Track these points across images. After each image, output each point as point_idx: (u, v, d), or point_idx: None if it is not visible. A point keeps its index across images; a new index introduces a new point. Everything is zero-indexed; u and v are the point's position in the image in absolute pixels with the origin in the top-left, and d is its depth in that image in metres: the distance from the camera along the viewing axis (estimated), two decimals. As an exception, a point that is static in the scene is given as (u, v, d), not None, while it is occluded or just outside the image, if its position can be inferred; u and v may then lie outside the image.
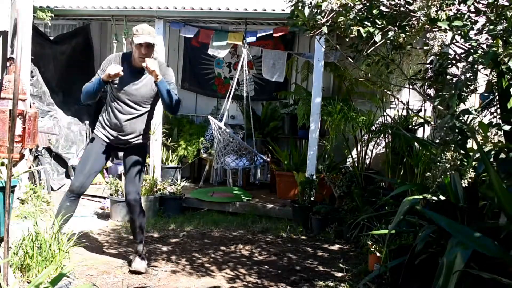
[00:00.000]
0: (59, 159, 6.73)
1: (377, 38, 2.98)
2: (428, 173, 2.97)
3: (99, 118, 3.89)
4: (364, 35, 3.01)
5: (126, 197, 3.85)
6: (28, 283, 3.02)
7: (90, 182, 3.86)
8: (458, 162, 2.80)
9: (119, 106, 3.75)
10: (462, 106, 3.12)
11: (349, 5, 3.03)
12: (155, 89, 3.68)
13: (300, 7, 3.29)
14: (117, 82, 3.69)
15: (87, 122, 7.24)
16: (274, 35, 6.23)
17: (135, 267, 3.83)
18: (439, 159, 2.78)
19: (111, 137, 3.81)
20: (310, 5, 3.21)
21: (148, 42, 3.57)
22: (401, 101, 4.98)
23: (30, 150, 5.78)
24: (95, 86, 3.67)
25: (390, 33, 2.97)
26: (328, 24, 3.19)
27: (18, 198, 5.40)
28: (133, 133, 3.80)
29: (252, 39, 6.29)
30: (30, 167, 5.79)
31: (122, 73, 3.57)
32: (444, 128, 2.80)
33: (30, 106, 5.24)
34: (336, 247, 4.79)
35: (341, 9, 3.04)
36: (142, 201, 5.53)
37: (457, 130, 2.83)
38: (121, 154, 4.30)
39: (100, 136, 3.83)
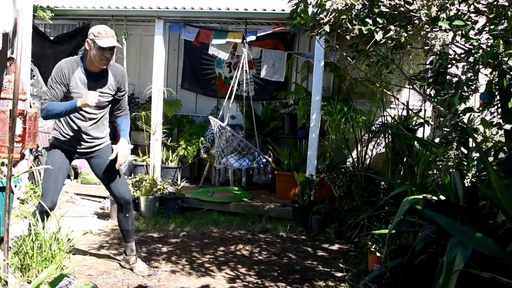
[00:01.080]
0: (59, 159, 6.72)
1: (378, 36, 2.98)
2: (429, 172, 2.97)
3: (55, 128, 3.68)
4: (365, 32, 3.01)
5: (122, 199, 3.82)
6: (28, 283, 3.02)
7: (59, 194, 3.73)
8: (459, 161, 2.80)
9: (79, 114, 3.57)
10: (462, 106, 3.12)
11: (352, 4, 3.03)
12: (113, 90, 3.66)
13: (303, 7, 3.29)
14: (77, 91, 3.52)
15: (87, 122, 7.23)
16: (273, 29, 6.22)
17: (141, 271, 3.84)
18: (440, 157, 2.79)
19: (75, 146, 3.66)
20: (313, 5, 3.21)
21: (113, 45, 3.46)
22: (401, 101, 4.99)
23: (31, 150, 5.79)
24: (67, 110, 3.44)
25: (391, 32, 2.97)
26: (330, 23, 3.19)
27: (18, 198, 5.40)
28: (98, 137, 3.75)
29: (252, 38, 6.29)
30: (30, 167, 5.79)
31: (101, 99, 3.46)
32: (447, 127, 2.80)
33: (30, 106, 5.25)
34: (336, 247, 4.79)
35: (344, 8, 3.04)
36: (141, 201, 5.59)
37: (459, 129, 2.83)
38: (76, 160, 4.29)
39: (61, 147, 3.63)
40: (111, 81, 3.65)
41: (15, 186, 4.62)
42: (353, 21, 3.05)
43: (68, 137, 3.63)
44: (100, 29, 3.52)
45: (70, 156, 3.71)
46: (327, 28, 3.20)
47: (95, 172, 3.86)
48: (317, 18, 3.18)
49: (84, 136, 3.66)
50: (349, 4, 2.99)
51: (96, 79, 3.58)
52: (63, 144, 3.64)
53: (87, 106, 3.41)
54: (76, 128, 3.62)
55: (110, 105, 3.77)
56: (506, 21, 2.66)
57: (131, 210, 3.88)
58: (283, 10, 5.72)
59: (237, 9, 6.12)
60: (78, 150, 3.71)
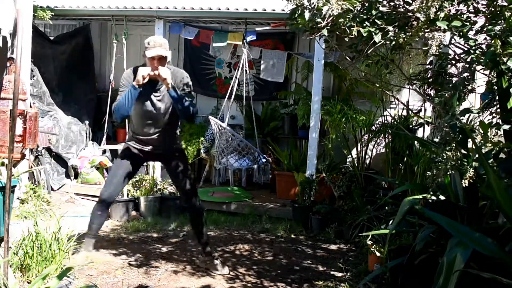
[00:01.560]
0: (59, 159, 6.73)
1: (377, 38, 2.98)
2: (428, 172, 2.97)
3: (129, 130, 3.98)
4: (364, 34, 3.01)
5: (194, 205, 3.94)
6: (28, 283, 3.02)
7: (119, 192, 3.99)
8: (459, 161, 2.80)
9: (148, 118, 3.74)
10: (462, 106, 3.12)
11: (349, 9, 3.03)
12: (185, 94, 3.71)
13: (300, 11, 3.29)
14: (144, 95, 3.68)
15: (87, 122, 7.24)
16: (272, 26, 6.22)
17: (221, 272, 3.90)
18: (439, 158, 2.79)
19: (143, 149, 3.85)
20: (310, 9, 3.21)
21: (160, 55, 3.57)
22: (401, 102, 4.99)
23: (31, 150, 5.79)
24: (128, 95, 3.59)
25: (390, 33, 2.97)
26: (328, 27, 3.19)
27: (18, 198, 5.40)
28: (164, 142, 3.83)
29: (252, 37, 6.29)
30: (30, 167, 5.79)
31: (155, 72, 3.55)
32: (445, 128, 2.80)
33: (31, 106, 5.25)
34: (336, 247, 4.79)
35: (342, 12, 3.04)
36: (141, 201, 5.59)
37: (458, 129, 2.83)
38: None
39: (131, 148, 3.87)
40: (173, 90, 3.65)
41: (15, 186, 4.62)
42: (351, 23, 3.06)
43: (136, 139, 3.84)
44: (150, 40, 3.68)
45: (138, 162, 3.93)
46: (325, 31, 3.21)
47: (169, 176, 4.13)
48: (316, 21, 3.18)
49: (149, 139, 3.80)
50: (345, 9, 2.99)
51: (152, 84, 3.68)
52: (132, 147, 3.87)
53: (140, 82, 3.56)
54: (143, 132, 3.78)
55: (173, 111, 3.74)
56: (503, 21, 2.66)
57: (200, 216, 3.98)
58: (283, 10, 5.71)
59: (237, 9, 6.12)
60: (143, 153, 3.87)
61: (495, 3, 2.82)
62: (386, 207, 4.34)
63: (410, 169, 5.02)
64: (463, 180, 2.82)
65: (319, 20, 3.13)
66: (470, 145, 3.10)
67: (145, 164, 6.58)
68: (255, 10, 6.07)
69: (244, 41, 6.28)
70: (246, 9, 6.10)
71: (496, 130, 2.99)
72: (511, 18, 2.60)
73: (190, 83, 3.82)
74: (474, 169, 2.97)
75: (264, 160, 5.87)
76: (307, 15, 3.19)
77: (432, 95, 3.67)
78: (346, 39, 3.22)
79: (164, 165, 4.08)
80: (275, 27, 6.22)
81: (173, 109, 3.73)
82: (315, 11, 3.17)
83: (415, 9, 2.77)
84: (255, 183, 6.16)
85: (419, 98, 5.16)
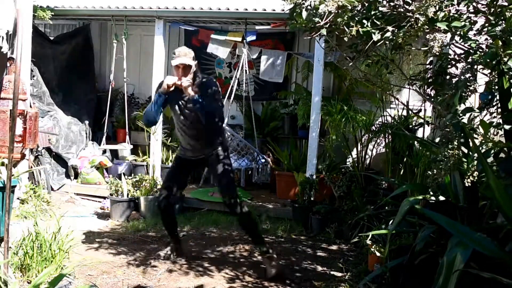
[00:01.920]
0: (59, 159, 6.73)
1: (376, 37, 2.97)
2: (428, 172, 2.97)
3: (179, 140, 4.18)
4: (362, 34, 3.01)
5: (224, 202, 3.97)
6: (28, 283, 3.02)
7: (174, 195, 4.08)
8: (459, 161, 2.80)
9: (183, 126, 3.92)
10: (462, 106, 3.12)
11: (346, 7, 3.03)
12: (206, 106, 3.72)
13: (298, 10, 3.29)
14: (174, 104, 3.89)
15: (87, 122, 7.24)
16: (272, 26, 6.22)
17: (269, 274, 3.84)
18: (440, 157, 2.78)
19: (187, 155, 4.03)
20: (308, 8, 3.21)
21: (184, 63, 3.74)
22: (401, 102, 4.99)
23: (31, 150, 5.79)
24: (155, 101, 3.84)
25: (388, 33, 2.97)
26: (326, 26, 3.18)
27: (18, 198, 5.41)
28: (201, 147, 3.94)
29: (252, 37, 6.29)
30: (30, 167, 5.79)
31: (178, 82, 3.73)
32: (446, 127, 2.80)
33: (30, 106, 5.25)
34: (336, 247, 4.79)
35: (339, 11, 3.04)
36: (141, 201, 5.59)
37: (459, 129, 2.83)
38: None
39: (179, 155, 4.12)
40: (202, 98, 3.74)
41: (15, 186, 4.62)
42: (350, 23, 3.05)
43: (181, 146, 4.11)
44: (176, 50, 3.86)
45: (187, 167, 4.13)
46: (323, 31, 3.20)
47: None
48: (314, 21, 3.18)
49: (190, 145, 3.98)
50: (342, 7, 2.99)
51: (180, 93, 3.81)
52: (179, 154, 4.12)
53: (168, 87, 3.76)
54: (183, 139, 4.01)
55: (210, 120, 3.81)
56: (504, 21, 2.66)
57: (236, 211, 3.92)
58: (283, 10, 5.71)
59: (237, 9, 6.12)
60: (189, 159, 4.03)
61: (495, 3, 2.82)
62: (386, 207, 4.33)
63: (410, 169, 5.02)
64: (465, 180, 2.81)
65: (317, 19, 3.12)
66: (471, 144, 3.10)
67: (145, 164, 6.59)
68: (255, 10, 6.07)
69: (244, 41, 6.28)
70: (246, 9, 6.10)
71: (497, 130, 2.99)
72: (511, 18, 2.60)
73: (218, 95, 3.88)
74: (474, 169, 2.97)
75: (263, 160, 5.87)
76: (304, 14, 3.18)
77: (432, 95, 3.67)
78: (346, 39, 3.22)
79: (207, 169, 4.14)
80: (275, 27, 6.22)
81: (203, 118, 3.77)
82: (312, 11, 3.17)
83: (415, 9, 2.77)
84: (255, 183, 6.16)
85: (419, 98, 5.15)
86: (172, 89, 3.77)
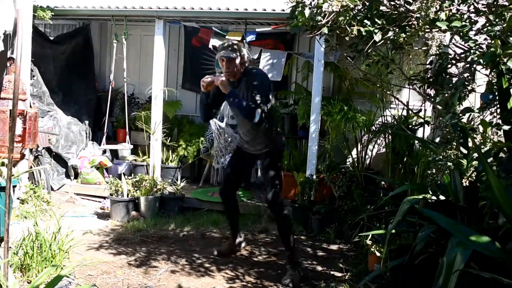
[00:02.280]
0: (59, 159, 6.73)
1: (377, 37, 2.98)
2: (428, 171, 2.97)
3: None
4: (364, 33, 3.01)
5: (276, 214, 3.90)
6: (28, 283, 3.02)
7: (233, 187, 4.17)
8: (459, 161, 2.80)
9: (236, 120, 3.99)
10: (461, 106, 3.12)
11: (349, 6, 3.03)
12: (252, 100, 3.62)
13: (300, 8, 3.29)
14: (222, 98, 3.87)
15: (87, 122, 7.24)
16: (272, 27, 6.21)
17: (283, 282, 3.77)
18: (440, 157, 2.79)
19: (243, 148, 4.05)
20: (310, 6, 3.21)
21: (226, 56, 3.72)
22: (401, 102, 4.99)
23: (31, 150, 5.79)
24: (203, 102, 3.93)
25: (390, 33, 2.97)
26: (328, 25, 3.19)
27: (18, 198, 5.41)
28: (254, 143, 3.91)
29: (252, 37, 6.29)
30: (30, 167, 5.79)
31: (217, 82, 3.74)
32: (446, 127, 2.80)
33: (30, 106, 5.25)
34: (336, 247, 4.79)
35: (341, 9, 3.04)
36: (141, 201, 5.59)
37: (458, 128, 2.83)
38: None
39: (238, 144, 4.17)
40: (244, 88, 3.74)
41: (15, 186, 4.63)
42: (352, 22, 3.05)
43: (239, 139, 4.12)
44: (222, 43, 3.88)
45: (245, 160, 4.08)
46: (325, 30, 3.20)
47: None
48: (316, 19, 3.18)
49: (243, 139, 3.98)
50: (345, 6, 2.99)
51: (233, 87, 3.79)
52: (240, 143, 4.11)
53: (205, 88, 3.81)
54: (239, 131, 4.05)
55: (260, 112, 3.74)
56: (503, 21, 2.66)
57: (275, 213, 3.86)
58: (283, 10, 5.71)
59: (237, 9, 6.12)
60: (245, 152, 4.01)
61: (495, 3, 2.82)
62: (386, 207, 4.33)
63: (410, 169, 5.02)
64: (463, 180, 2.82)
65: (319, 18, 3.13)
66: (470, 144, 3.10)
67: (145, 164, 6.59)
68: (255, 10, 6.07)
69: (244, 41, 6.27)
70: (246, 9, 6.10)
71: (496, 130, 2.99)
72: (511, 18, 2.60)
73: (261, 89, 3.65)
74: (474, 169, 2.97)
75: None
76: (307, 12, 3.18)
77: (432, 95, 3.67)
78: (347, 38, 3.22)
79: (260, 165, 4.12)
80: (275, 28, 6.22)
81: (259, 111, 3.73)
82: (315, 9, 3.17)
83: (415, 9, 2.77)
84: (256, 183, 6.15)
85: (419, 98, 5.16)
86: (210, 88, 3.80)
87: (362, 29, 3.01)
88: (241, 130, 3.98)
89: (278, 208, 3.84)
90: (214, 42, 6.51)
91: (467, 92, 2.98)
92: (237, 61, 3.74)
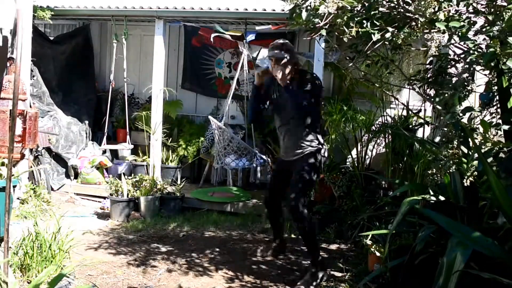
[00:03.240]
0: (59, 159, 6.73)
1: (375, 37, 2.97)
2: (428, 171, 2.97)
3: None
4: (361, 34, 3.01)
5: (287, 207, 3.87)
6: (28, 283, 3.02)
7: (278, 197, 4.08)
8: (459, 160, 2.80)
9: (278, 122, 3.89)
10: (461, 106, 3.12)
11: (346, 8, 3.03)
12: (301, 100, 3.67)
13: (298, 11, 3.29)
14: (272, 98, 3.85)
15: (86, 122, 7.25)
16: (273, 28, 6.22)
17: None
18: (440, 157, 2.79)
19: (282, 157, 3.98)
20: (308, 9, 3.21)
21: (274, 57, 3.67)
22: (401, 102, 4.99)
23: (31, 150, 5.79)
24: (252, 94, 3.86)
25: (388, 34, 2.97)
26: (326, 27, 3.19)
27: (18, 198, 5.41)
28: (292, 147, 3.83)
29: (251, 37, 6.29)
30: (30, 167, 5.79)
31: (270, 69, 3.70)
32: (446, 126, 2.80)
33: (30, 106, 5.25)
34: (336, 247, 4.79)
35: (338, 11, 3.04)
36: (141, 201, 5.59)
37: (459, 128, 2.83)
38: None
39: (279, 156, 4.14)
40: (299, 92, 3.71)
41: (15, 186, 4.63)
42: (350, 23, 3.05)
43: (280, 146, 4.02)
44: (274, 43, 3.78)
45: (285, 169, 3.95)
46: (323, 32, 3.20)
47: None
48: (314, 21, 3.18)
49: (283, 144, 3.91)
50: (341, 7, 2.99)
51: (280, 88, 3.78)
52: (280, 155, 4.07)
53: (259, 78, 3.76)
54: (279, 137, 3.97)
55: (303, 115, 3.76)
56: (502, 21, 2.66)
57: (297, 221, 3.75)
58: (283, 10, 5.71)
59: (237, 9, 6.12)
60: (287, 161, 3.91)
61: (494, 3, 2.82)
62: (386, 207, 4.33)
63: (410, 169, 5.02)
64: (463, 180, 2.82)
65: (317, 20, 3.12)
66: (471, 144, 3.10)
67: (145, 164, 6.59)
68: (255, 10, 6.07)
69: (244, 41, 6.27)
70: (246, 9, 6.10)
71: (496, 130, 2.99)
72: (510, 18, 2.60)
73: (317, 93, 3.74)
74: (474, 169, 2.97)
75: (262, 161, 5.86)
76: (304, 15, 3.18)
77: (432, 95, 3.67)
78: (346, 39, 3.22)
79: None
80: (276, 29, 6.22)
81: (297, 113, 3.75)
82: (312, 11, 3.17)
83: (414, 10, 2.77)
84: (255, 183, 6.16)
85: (419, 98, 5.15)
86: (263, 79, 3.75)
87: (360, 30, 3.01)
88: (286, 135, 3.85)
89: (302, 223, 3.72)
90: (215, 35, 6.49)
91: (467, 93, 2.98)
92: (286, 61, 3.68)
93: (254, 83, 3.80)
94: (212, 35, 6.47)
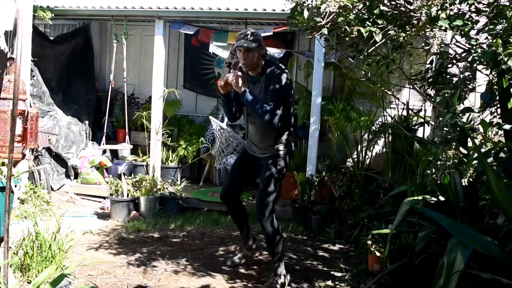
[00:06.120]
0: (59, 159, 6.73)
1: (378, 38, 2.98)
2: (428, 171, 2.97)
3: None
4: (365, 34, 3.01)
5: (260, 221, 3.62)
6: (28, 283, 3.02)
7: (236, 190, 3.96)
8: (458, 161, 2.80)
9: (249, 117, 3.74)
10: (461, 106, 3.12)
11: (348, 6, 3.03)
12: (266, 97, 3.50)
13: (299, 9, 3.29)
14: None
15: (86, 122, 7.24)
16: (273, 31, 6.22)
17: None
18: (440, 157, 2.78)
19: (249, 150, 3.86)
20: (309, 7, 3.21)
21: (242, 46, 3.45)
22: (401, 101, 4.99)
23: (31, 150, 5.79)
24: (223, 102, 3.76)
25: (391, 32, 2.97)
26: (328, 25, 3.19)
27: (18, 198, 5.40)
28: (260, 144, 3.71)
29: None
30: (30, 167, 5.79)
31: (232, 81, 3.48)
32: (446, 127, 2.80)
33: (31, 106, 5.25)
34: (336, 247, 4.79)
35: (340, 10, 3.04)
36: (141, 201, 5.58)
37: (458, 128, 2.83)
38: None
39: (244, 149, 3.97)
40: (263, 82, 3.57)
41: (15, 186, 4.62)
42: (352, 23, 3.05)
43: (247, 139, 3.89)
44: (243, 32, 3.57)
45: (250, 163, 3.87)
46: (325, 30, 3.20)
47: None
48: (316, 20, 3.18)
49: (251, 138, 3.80)
50: (343, 6, 2.99)
51: (253, 82, 3.65)
52: (245, 145, 3.97)
53: (222, 88, 3.61)
54: (249, 130, 3.83)
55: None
56: (505, 20, 2.66)
57: (264, 228, 3.58)
58: (283, 10, 5.71)
59: (237, 9, 6.12)
60: (251, 154, 3.83)
61: (496, 3, 2.82)
62: (386, 207, 4.33)
63: (410, 169, 5.02)
64: (463, 180, 2.81)
65: (318, 19, 3.12)
66: (470, 144, 3.10)
67: (145, 164, 6.59)
68: (255, 10, 6.07)
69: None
70: (246, 9, 6.10)
71: (497, 130, 2.99)
72: None
73: (280, 90, 3.48)
74: (474, 169, 2.97)
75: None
76: (306, 13, 3.18)
77: (432, 95, 3.67)
78: (347, 38, 3.22)
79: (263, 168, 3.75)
80: (276, 30, 6.22)
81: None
82: (313, 10, 3.17)
83: (416, 8, 2.77)
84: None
85: (419, 98, 5.16)
86: (226, 89, 3.60)
87: (362, 29, 3.01)
88: (251, 129, 3.76)
89: (269, 217, 3.58)
90: (213, 48, 6.51)
91: (468, 91, 2.98)
92: (257, 52, 3.48)
93: (221, 93, 3.66)
94: (211, 49, 6.48)
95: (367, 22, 3.02)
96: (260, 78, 3.59)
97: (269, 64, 3.59)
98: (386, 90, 4.70)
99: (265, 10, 6.04)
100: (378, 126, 5.63)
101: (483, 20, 3.00)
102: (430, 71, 3.74)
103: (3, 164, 4.16)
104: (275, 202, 3.63)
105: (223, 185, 4.02)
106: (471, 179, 3.02)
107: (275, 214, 3.65)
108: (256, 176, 3.84)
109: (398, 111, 5.69)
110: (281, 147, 3.66)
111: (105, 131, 6.96)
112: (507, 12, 2.65)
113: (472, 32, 2.93)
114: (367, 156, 5.83)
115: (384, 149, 5.63)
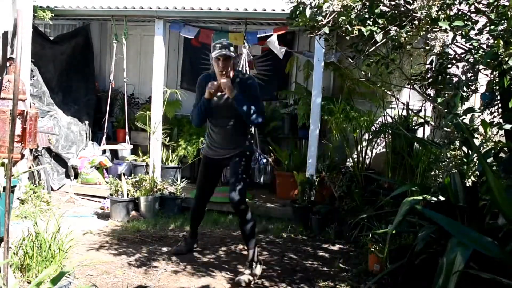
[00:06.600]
0: (59, 159, 6.73)
1: (378, 37, 2.98)
2: (431, 172, 2.97)
3: (205, 139, 4.17)
4: (366, 34, 3.01)
5: (231, 201, 3.87)
6: (28, 283, 3.02)
7: (207, 200, 4.26)
8: (460, 161, 2.80)
9: (215, 122, 3.93)
10: (463, 107, 3.12)
11: (350, 6, 3.03)
12: (252, 98, 3.79)
13: (301, 8, 3.29)
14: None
15: (86, 122, 7.24)
16: (274, 31, 6.23)
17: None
18: (442, 158, 2.78)
19: (215, 154, 4.01)
20: (311, 6, 3.21)
21: (223, 55, 3.72)
22: (401, 102, 4.98)
23: (31, 150, 5.78)
24: (200, 106, 3.86)
25: (392, 32, 2.97)
26: (329, 24, 3.19)
27: (18, 198, 5.40)
28: (231, 146, 3.94)
29: (253, 41, 6.30)
30: (30, 167, 5.78)
31: (224, 86, 3.74)
32: (447, 127, 2.80)
33: (30, 106, 5.24)
34: (336, 247, 4.79)
35: (342, 9, 3.04)
36: (141, 201, 5.59)
37: (461, 128, 2.83)
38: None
39: (206, 155, 4.10)
40: (236, 87, 3.80)
41: (15, 186, 4.62)
42: (353, 22, 3.05)
43: (210, 145, 4.04)
44: (217, 41, 3.87)
45: (216, 167, 4.12)
46: (326, 29, 3.20)
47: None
48: (317, 19, 3.18)
49: (219, 143, 3.97)
50: (346, 5, 2.99)
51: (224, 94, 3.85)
52: (208, 153, 4.07)
53: (210, 94, 3.80)
54: (214, 137, 3.99)
55: (240, 115, 3.82)
56: (506, 21, 2.66)
57: (241, 214, 3.86)
58: (283, 10, 5.72)
59: (237, 9, 6.12)
60: (216, 158, 4.02)
61: (496, 3, 2.82)
62: (386, 207, 4.33)
63: (410, 169, 5.02)
64: (466, 180, 2.81)
65: (320, 18, 3.13)
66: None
67: (145, 164, 6.59)
68: (255, 10, 6.07)
69: (244, 41, 6.27)
70: (246, 9, 6.10)
71: (498, 130, 2.99)
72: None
73: (254, 89, 3.85)
74: (474, 169, 2.97)
75: (264, 161, 5.87)
76: (308, 12, 3.18)
77: (432, 95, 3.67)
78: (347, 37, 3.22)
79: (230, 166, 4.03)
80: (277, 31, 6.22)
81: (233, 115, 3.84)
82: (315, 9, 3.17)
83: (416, 9, 2.77)
84: (255, 183, 6.17)
85: (419, 98, 5.15)
86: (216, 94, 3.82)
87: (363, 29, 3.01)
88: (219, 133, 3.95)
89: (245, 208, 3.85)
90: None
91: (470, 92, 2.98)
92: (232, 61, 3.83)
93: (206, 96, 3.82)
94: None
95: (368, 21, 3.02)
96: (233, 85, 3.83)
97: (237, 71, 3.96)
98: (386, 90, 4.70)
99: (265, 10, 6.04)
100: (378, 126, 5.63)
101: (482, 20, 3.00)
102: (430, 71, 3.74)
103: (2, 164, 4.15)
104: (247, 186, 3.94)
105: (195, 198, 4.26)
106: (474, 179, 3.02)
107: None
108: (222, 177, 4.15)
109: (398, 111, 5.69)
110: (247, 142, 4.01)
111: (105, 131, 6.96)
112: (508, 12, 2.65)
113: (472, 33, 2.93)
114: (367, 156, 5.83)
115: (384, 149, 5.63)
